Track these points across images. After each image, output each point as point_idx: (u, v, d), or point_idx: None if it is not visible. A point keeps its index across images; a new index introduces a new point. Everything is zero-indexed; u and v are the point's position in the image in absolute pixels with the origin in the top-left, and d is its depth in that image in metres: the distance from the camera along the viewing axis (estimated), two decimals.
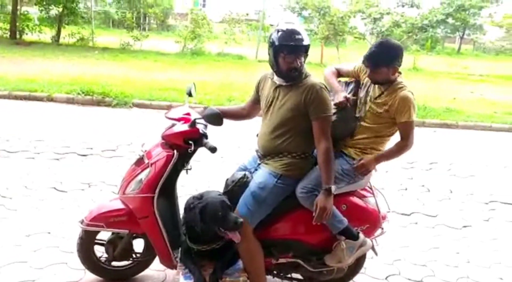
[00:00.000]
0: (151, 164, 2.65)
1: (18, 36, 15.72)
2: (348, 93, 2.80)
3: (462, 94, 11.84)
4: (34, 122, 6.40)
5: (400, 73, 2.74)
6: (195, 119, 2.61)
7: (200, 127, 2.64)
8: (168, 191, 2.77)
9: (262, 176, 2.64)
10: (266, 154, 2.69)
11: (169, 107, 7.52)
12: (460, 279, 3.35)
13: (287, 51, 2.49)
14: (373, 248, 2.93)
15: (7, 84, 8.08)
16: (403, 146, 2.68)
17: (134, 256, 2.93)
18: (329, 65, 2.95)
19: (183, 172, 2.80)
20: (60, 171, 4.73)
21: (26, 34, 15.93)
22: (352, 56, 3.73)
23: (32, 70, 10.03)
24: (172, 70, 12.09)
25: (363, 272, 3.24)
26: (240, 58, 15.66)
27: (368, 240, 2.73)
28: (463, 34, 31.43)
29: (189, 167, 2.84)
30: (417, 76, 14.21)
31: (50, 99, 7.75)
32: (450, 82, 14.41)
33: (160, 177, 2.61)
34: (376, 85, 2.73)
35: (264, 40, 15.45)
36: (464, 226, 4.25)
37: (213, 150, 2.51)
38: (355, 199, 2.79)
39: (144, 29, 20.67)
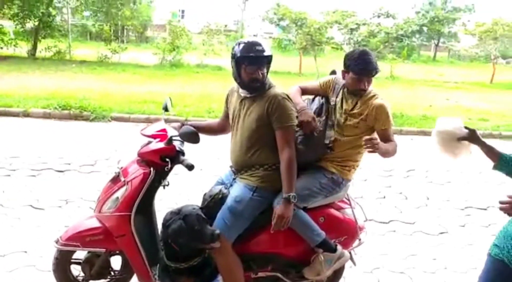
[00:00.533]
0: (127, 182, 2.63)
1: None
2: (313, 111, 2.80)
3: (438, 102, 12.09)
4: (10, 139, 6.29)
5: None
6: (171, 136, 2.60)
7: (177, 144, 2.64)
8: (146, 208, 2.75)
9: (238, 190, 2.65)
10: (239, 169, 2.71)
11: (147, 120, 7.51)
12: None
13: (248, 62, 2.53)
14: (351, 259, 2.97)
15: None
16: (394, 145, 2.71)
17: (112, 273, 2.90)
18: (293, 85, 2.97)
19: (160, 187, 2.80)
20: (37, 188, 4.66)
21: (1, 48, 15.64)
22: (330, 66, 3.81)
23: (7, 85, 9.87)
24: (151, 82, 12.05)
25: (342, 281, 3.27)
26: (219, 69, 15.70)
27: (346, 252, 2.77)
28: (438, 42, 32.21)
29: (166, 183, 2.84)
30: (394, 85, 14.49)
31: (26, 114, 7.63)
32: (426, 90, 14.71)
33: (137, 195, 2.60)
34: (348, 98, 2.77)
35: None
36: (441, 232, 4.32)
37: (190, 167, 2.51)
38: (332, 211, 2.83)
39: (122, 41, 20.54)
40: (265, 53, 2.53)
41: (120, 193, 2.64)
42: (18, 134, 6.61)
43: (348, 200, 2.92)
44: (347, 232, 2.83)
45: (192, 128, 2.59)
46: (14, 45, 15.50)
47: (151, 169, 2.61)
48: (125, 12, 17.51)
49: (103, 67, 14.36)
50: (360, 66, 2.62)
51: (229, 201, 2.62)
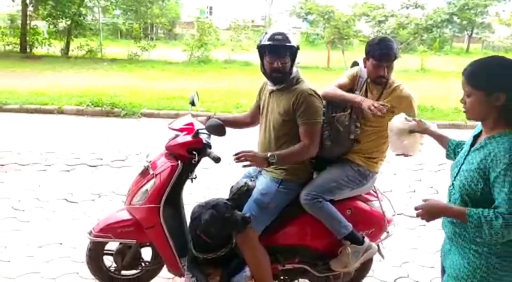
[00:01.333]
0: (156, 175, 2.69)
1: (28, 50, 16.01)
2: (338, 106, 2.77)
3: None
4: (45, 135, 6.51)
5: None
6: (198, 129, 2.64)
7: (203, 137, 2.68)
8: (174, 200, 2.81)
9: (264, 182, 2.67)
10: None
11: (176, 116, 7.60)
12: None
13: (268, 51, 2.53)
14: (379, 252, 2.95)
15: (18, 98, 8.24)
16: None
17: (142, 264, 2.97)
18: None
19: (188, 181, 2.85)
20: (70, 182, 4.81)
21: (36, 48, 16.22)
22: (359, 60, 3.76)
23: (42, 83, 10.21)
24: (180, 79, 12.21)
25: (371, 275, 3.25)
26: (247, 65, 15.73)
27: (373, 244, 2.75)
28: (471, 33, 31.21)
29: (194, 176, 2.89)
30: (425, 77, 14.18)
31: (60, 111, 7.88)
32: (459, 82, 14.14)
33: (165, 188, 2.65)
34: (372, 89, 2.74)
35: None
36: None
37: (217, 160, 2.54)
38: (359, 203, 2.81)
39: (151, 39, 20.89)
40: (286, 43, 2.51)
41: (149, 186, 2.70)
42: (53, 130, 6.83)
43: (376, 192, 2.89)
44: (375, 224, 2.81)
45: (218, 121, 2.62)
46: (48, 45, 16.02)
47: (179, 162, 2.65)
48: (154, 10, 17.80)
49: (133, 64, 14.64)
50: (379, 50, 2.59)
51: (255, 194, 2.64)
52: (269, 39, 2.52)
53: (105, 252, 2.92)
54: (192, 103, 2.97)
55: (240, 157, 2.48)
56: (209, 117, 2.99)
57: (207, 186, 4.61)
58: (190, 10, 27.28)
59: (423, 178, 5.49)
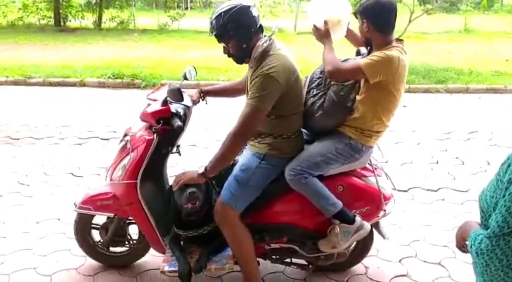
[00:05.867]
0: (133, 149, 2.56)
1: (62, 23, 16.20)
2: None
3: None
4: (64, 108, 6.54)
5: (400, 41, 2.45)
6: (166, 97, 2.49)
7: (176, 107, 2.55)
8: (155, 175, 2.69)
9: (245, 157, 2.48)
10: None
11: (197, 86, 7.43)
12: None
13: None
14: (379, 231, 2.73)
15: (43, 71, 8.31)
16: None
17: (130, 242, 2.89)
18: None
19: (177, 157, 2.72)
20: (80, 156, 4.79)
21: (70, 21, 16.39)
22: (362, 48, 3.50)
23: (71, 56, 10.29)
24: (208, 48, 11.93)
25: (375, 254, 3.04)
26: (279, 31, 15.21)
27: (366, 223, 2.50)
28: None
29: (177, 150, 2.75)
30: (467, 38, 13.26)
31: (83, 84, 7.90)
32: (506, 43, 13.27)
33: (142, 162, 2.52)
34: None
35: (302, 12, 14.92)
36: None
37: (178, 128, 2.41)
38: (353, 179, 2.56)
39: (186, 8, 20.60)
40: (211, 33, 2.37)
41: (126, 161, 2.58)
42: (73, 103, 6.86)
43: (373, 167, 2.62)
44: (370, 202, 2.56)
45: (177, 85, 2.50)
46: (81, 17, 16.12)
47: (155, 135, 2.50)
48: None
49: (164, 35, 14.51)
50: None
51: (235, 170, 2.46)
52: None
53: (92, 226, 2.87)
54: (185, 78, 2.82)
55: (178, 182, 2.41)
56: (201, 91, 2.83)
57: (196, 162, 4.45)
58: None
59: (449, 147, 5.08)
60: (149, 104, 2.63)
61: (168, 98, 2.47)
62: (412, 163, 4.61)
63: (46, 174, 4.32)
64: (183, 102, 2.57)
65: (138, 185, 2.53)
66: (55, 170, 4.41)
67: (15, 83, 7.90)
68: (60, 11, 16.04)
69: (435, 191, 4.04)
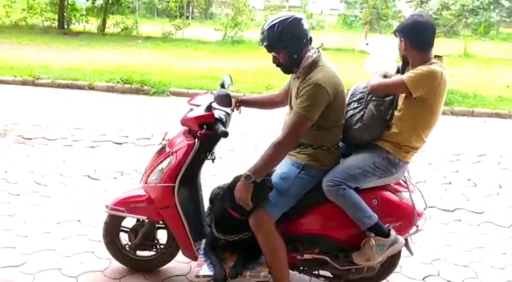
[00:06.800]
0: (172, 153, 2.57)
1: (66, 26, 16.21)
2: None
3: None
4: (74, 110, 6.53)
5: (439, 57, 2.51)
6: (210, 103, 2.52)
7: (218, 113, 2.57)
8: (191, 180, 2.70)
9: (284, 166, 2.50)
10: None
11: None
12: None
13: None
14: (408, 247, 2.74)
15: (51, 72, 8.31)
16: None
17: (157, 247, 2.88)
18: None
19: (211, 163, 2.74)
20: (95, 159, 4.77)
21: (73, 24, 16.43)
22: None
23: (76, 59, 10.30)
24: (212, 58, 12.07)
25: (398, 271, 3.05)
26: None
27: (400, 238, 2.53)
28: None
29: (213, 156, 2.76)
30: (468, 63, 13.50)
31: (91, 87, 7.90)
32: (504, 70, 13.54)
33: (181, 167, 2.53)
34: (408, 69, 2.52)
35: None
36: None
37: (223, 134, 2.42)
38: (387, 194, 2.59)
39: (187, 17, 20.75)
40: (264, 43, 2.40)
41: (165, 164, 2.59)
42: (82, 106, 6.85)
43: (406, 183, 2.66)
44: (403, 217, 2.59)
45: (226, 91, 2.51)
46: (85, 22, 16.16)
47: (196, 140, 2.52)
48: None
49: (167, 43, 14.60)
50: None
51: (274, 177, 2.48)
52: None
53: (121, 228, 2.86)
54: (222, 86, 2.83)
55: (239, 203, 2.38)
56: (237, 100, 2.84)
57: (233, 168, 4.47)
58: None
59: (460, 169, 5.16)
60: (191, 109, 2.63)
61: (213, 103, 2.50)
62: (425, 182, 4.67)
63: (62, 175, 4.30)
64: (224, 109, 2.60)
65: (176, 188, 2.54)
66: (71, 172, 4.39)
67: (23, 83, 7.88)
68: (65, 14, 16.05)
69: (451, 211, 4.08)
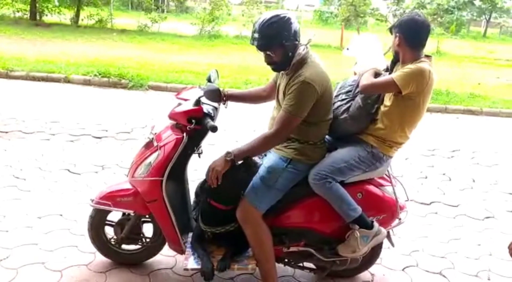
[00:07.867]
0: (160, 147, 2.57)
1: (38, 17, 15.81)
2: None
3: (487, 80, 11.47)
4: (51, 104, 6.40)
5: (428, 57, 2.59)
6: (199, 97, 2.53)
7: (206, 107, 2.58)
8: (178, 174, 2.70)
9: (271, 160, 2.54)
10: None
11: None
12: (481, 272, 3.21)
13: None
14: (389, 239, 2.83)
15: (25, 65, 8.10)
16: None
17: (143, 240, 2.88)
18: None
19: (195, 156, 2.74)
20: (74, 153, 4.71)
21: (46, 15, 16.01)
22: None
23: (50, 51, 10.07)
24: (189, 53, 12.00)
25: (379, 262, 3.13)
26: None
27: (383, 229, 2.61)
28: (489, 18, 30.46)
29: (200, 150, 2.78)
30: (441, 61, 13.82)
31: (67, 80, 7.75)
32: (475, 67, 13.98)
33: (169, 160, 2.53)
34: (398, 67, 2.60)
35: None
36: (487, 217, 4.07)
37: (212, 128, 2.43)
38: (371, 187, 2.67)
39: (162, 11, 20.50)
40: (256, 43, 2.38)
41: (152, 158, 2.58)
42: (59, 99, 6.72)
43: (389, 177, 2.74)
44: (386, 210, 2.67)
45: (215, 85, 2.55)
46: (58, 13, 15.77)
47: (184, 134, 2.53)
48: None
49: (143, 36, 14.42)
50: None
51: (261, 171, 2.52)
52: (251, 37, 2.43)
53: (107, 222, 2.85)
54: (209, 80, 2.83)
55: (211, 177, 2.39)
56: (224, 94, 2.84)
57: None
58: None
59: (435, 164, 5.32)
60: (179, 104, 2.64)
61: (202, 98, 2.51)
62: (402, 176, 4.79)
63: (42, 169, 4.23)
64: (213, 104, 2.62)
65: (164, 182, 2.55)
66: (50, 166, 4.32)
67: None
68: (37, 4, 15.62)
69: (427, 204, 4.22)
